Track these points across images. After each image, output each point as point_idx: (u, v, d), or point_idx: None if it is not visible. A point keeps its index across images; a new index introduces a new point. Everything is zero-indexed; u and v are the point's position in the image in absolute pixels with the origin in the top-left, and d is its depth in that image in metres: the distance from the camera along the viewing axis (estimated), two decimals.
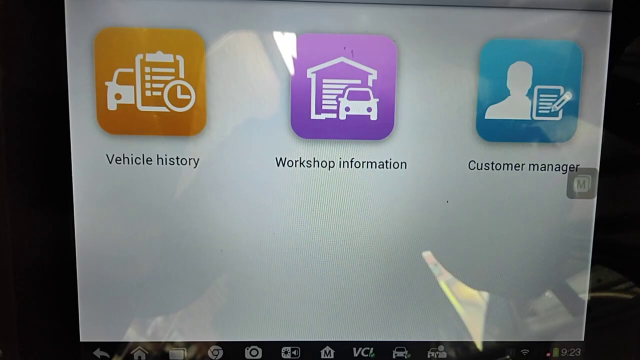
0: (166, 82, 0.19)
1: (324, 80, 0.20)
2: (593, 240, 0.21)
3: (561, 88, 0.20)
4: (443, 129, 0.20)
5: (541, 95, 0.20)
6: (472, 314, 0.21)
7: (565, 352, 0.22)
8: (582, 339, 0.21)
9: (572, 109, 0.20)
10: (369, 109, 0.20)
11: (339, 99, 0.20)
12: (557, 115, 0.20)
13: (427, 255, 0.21)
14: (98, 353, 0.20)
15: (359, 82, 0.20)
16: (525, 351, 0.21)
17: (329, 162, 0.20)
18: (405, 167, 0.20)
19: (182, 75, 0.19)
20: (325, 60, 0.19)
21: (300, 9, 0.19)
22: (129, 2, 0.19)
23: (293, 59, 0.19)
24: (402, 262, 0.20)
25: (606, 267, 0.21)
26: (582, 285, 0.21)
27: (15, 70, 0.18)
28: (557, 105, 0.20)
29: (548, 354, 0.22)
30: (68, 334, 0.20)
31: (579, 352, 0.21)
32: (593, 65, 0.20)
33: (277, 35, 0.19)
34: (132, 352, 0.20)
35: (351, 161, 0.20)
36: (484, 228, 0.20)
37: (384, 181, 0.20)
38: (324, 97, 0.20)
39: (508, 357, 0.22)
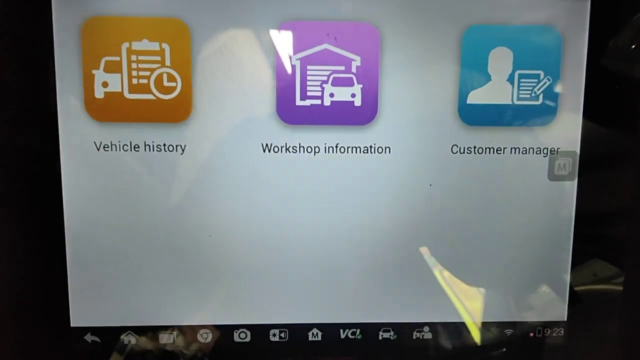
0: (152, 70, 0.19)
1: (308, 67, 0.20)
2: (574, 221, 0.21)
3: (541, 73, 0.21)
4: (426, 114, 0.20)
5: (522, 80, 0.21)
6: (455, 294, 0.21)
7: (549, 331, 0.22)
8: (565, 319, 0.22)
9: (552, 93, 0.21)
10: (353, 95, 0.20)
11: (324, 85, 0.20)
12: (538, 100, 0.21)
13: (411, 238, 0.21)
14: (89, 337, 0.21)
15: (342, 68, 0.20)
16: (509, 331, 0.22)
17: (315, 147, 0.20)
18: (390, 152, 0.21)
19: (167, 63, 0.19)
20: (309, 47, 0.20)
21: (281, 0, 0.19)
22: None
23: (277, 46, 0.20)
24: (386, 245, 0.21)
25: (587, 247, 0.22)
26: (564, 265, 0.22)
27: (2, 59, 0.19)
28: (538, 90, 0.21)
29: (531, 334, 0.22)
30: (59, 319, 0.21)
31: (561, 332, 0.22)
32: (573, 51, 0.21)
33: (261, 23, 0.19)
34: (122, 337, 0.21)
35: (336, 146, 0.20)
36: (467, 210, 0.21)
37: (369, 166, 0.21)
38: (308, 83, 0.20)
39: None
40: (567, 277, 0.22)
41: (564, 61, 0.21)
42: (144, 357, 0.21)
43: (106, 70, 0.19)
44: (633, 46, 0.21)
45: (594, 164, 0.21)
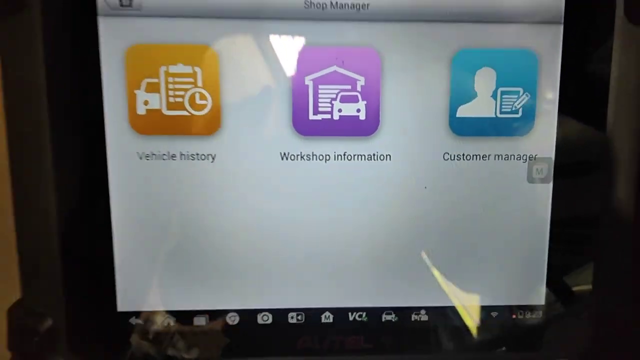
0: (186, 90, 0.22)
1: (320, 86, 0.23)
2: (550, 217, 0.25)
3: (521, 89, 0.24)
4: (421, 126, 0.24)
5: (504, 96, 0.24)
6: (448, 282, 0.25)
7: (529, 314, 0.25)
8: (543, 303, 0.25)
9: (530, 108, 0.24)
10: (358, 110, 0.23)
11: (333, 102, 0.23)
12: (518, 113, 0.24)
13: (408, 233, 0.24)
14: (133, 320, 0.24)
15: (349, 87, 0.23)
16: (494, 313, 0.25)
17: (325, 155, 0.24)
18: (390, 159, 0.24)
19: (199, 84, 0.22)
20: (320, 69, 0.23)
21: (300, 26, 0.22)
22: (153, 23, 0.22)
23: (293, 68, 0.23)
24: (387, 240, 0.24)
25: (561, 238, 0.25)
26: (542, 255, 0.25)
27: (57, 83, 0.22)
28: (518, 104, 0.24)
29: (514, 316, 0.25)
30: (107, 305, 0.24)
31: (540, 314, 0.25)
32: (548, 70, 0.24)
33: (279, 48, 0.23)
34: (161, 320, 0.24)
35: (344, 154, 0.24)
36: (457, 209, 0.24)
37: (372, 171, 0.24)
38: (319, 100, 0.23)
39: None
40: (545, 266, 0.25)
41: (540, 79, 0.24)
42: (182, 337, 0.24)
43: (147, 90, 0.22)
44: (599, 66, 0.24)
45: (567, 168, 0.25)
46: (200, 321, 0.24)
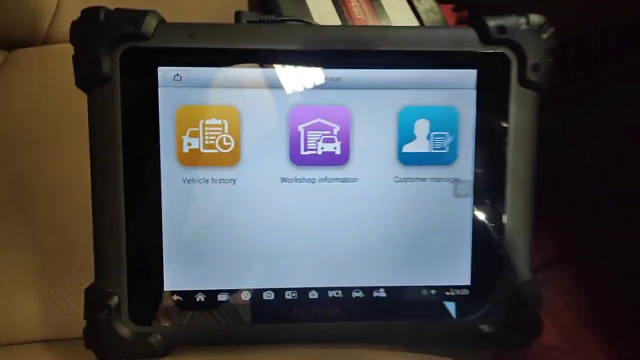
0: (217, 136, 0.32)
1: (308, 132, 0.33)
2: (471, 222, 0.34)
3: (447, 133, 0.34)
4: (378, 158, 0.33)
5: (435, 138, 0.34)
6: (399, 268, 0.34)
7: (458, 291, 0.35)
8: (469, 283, 0.35)
9: (454, 145, 0.34)
10: (335, 148, 0.33)
11: (317, 142, 0.33)
12: (445, 149, 0.34)
13: (370, 236, 0.34)
14: (175, 297, 0.33)
15: (329, 132, 0.33)
16: (433, 291, 0.35)
17: (312, 179, 0.33)
18: (357, 182, 0.34)
19: (226, 131, 0.32)
20: (309, 121, 0.33)
21: (293, 94, 0.33)
22: (195, 91, 0.32)
23: (290, 120, 0.33)
24: (355, 237, 0.33)
25: (480, 235, 0.34)
26: (467, 249, 0.34)
27: (129, 132, 0.31)
28: (445, 144, 0.34)
29: (447, 293, 0.35)
30: (157, 285, 0.32)
31: (466, 291, 0.35)
32: (466, 120, 0.34)
33: (280, 107, 0.33)
34: (196, 296, 0.33)
35: (325, 178, 0.33)
36: (405, 217, 0.34)
37: (345, 190, 0.33)
38: (308, 142, 0.33)
39: (431, 301, 0.32)
40: (469, 255, 0.35)
41: (460, 126, 0.34)
42: (210, 309, 0.33)
43: (190, 136, 0.32)
44: (501, 117, 0.34)
45: (481, 187, 0.35)
46: (222, 297, 0.34)
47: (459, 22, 0.50)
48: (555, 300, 0.38)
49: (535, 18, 0.33)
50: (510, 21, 0.33)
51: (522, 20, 0.33)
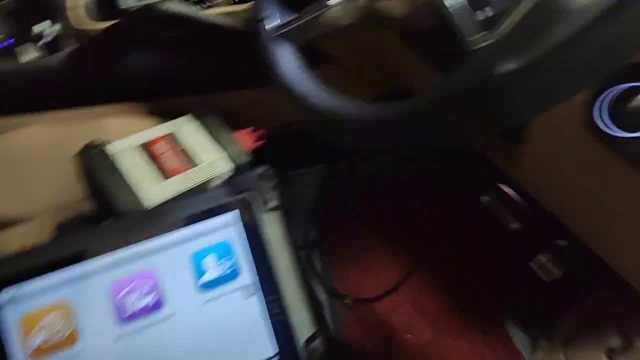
0: (56, 326, 0.43)
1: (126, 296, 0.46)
2: (265, 310, 0.50)
3: (228, 258, 0.50)
4: (183, 293, 0.48)
5: (219, 265, 0.50)
6: None
7: None
8: (278, 351, 0.50)
9: (237, 266, 0.50)
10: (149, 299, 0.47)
11: (135, 302, 0.46)
12: (229, 269, 0.50)
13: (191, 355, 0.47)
14: None
15: (143, 290, 0.46)
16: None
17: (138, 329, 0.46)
18: (175, 316, 0.47)
19: (63, 321, 0.43)
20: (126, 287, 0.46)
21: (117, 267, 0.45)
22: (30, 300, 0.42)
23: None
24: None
25: (276, 315, 0.51)
26: (266, 329, 0.50)
27: None
28: (228, 265, 0.50)
29: None
30: None
31: (278, 357, 0.50)
32: (240, 247, 0.51)
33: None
34: None
35: (149, 325, 0.46)
36: (213, 331, 0.48)
37: (166, 328, 0.47)
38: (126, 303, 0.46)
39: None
40: (272, 333, 0.50)
41: (235, 252, 0.51)
42: None
43: (32, 338, 0.42)
44: (262, 237, 0.52)
45: (263, 284, 0.51)
46: None
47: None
48: (426, 302, 0.57)
49: (259, 169, 0.52)
50: (243, 177, 0.51)
51: (253, 174, 0.51)
